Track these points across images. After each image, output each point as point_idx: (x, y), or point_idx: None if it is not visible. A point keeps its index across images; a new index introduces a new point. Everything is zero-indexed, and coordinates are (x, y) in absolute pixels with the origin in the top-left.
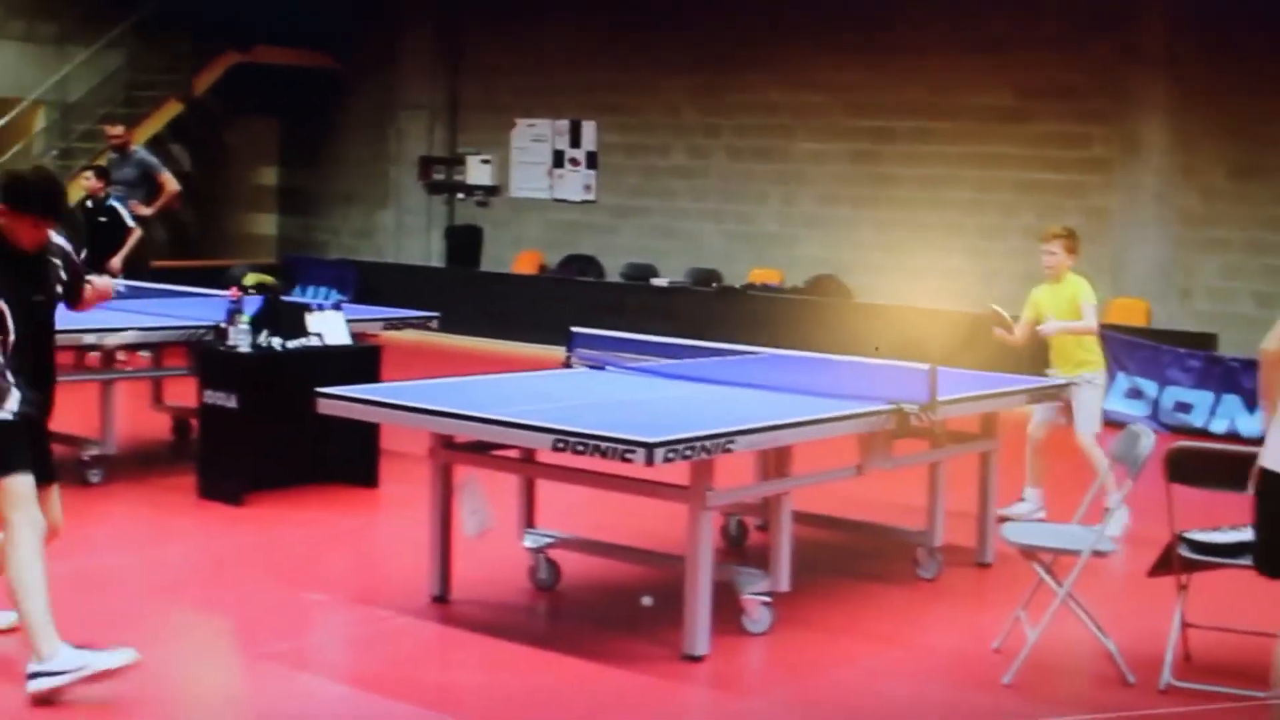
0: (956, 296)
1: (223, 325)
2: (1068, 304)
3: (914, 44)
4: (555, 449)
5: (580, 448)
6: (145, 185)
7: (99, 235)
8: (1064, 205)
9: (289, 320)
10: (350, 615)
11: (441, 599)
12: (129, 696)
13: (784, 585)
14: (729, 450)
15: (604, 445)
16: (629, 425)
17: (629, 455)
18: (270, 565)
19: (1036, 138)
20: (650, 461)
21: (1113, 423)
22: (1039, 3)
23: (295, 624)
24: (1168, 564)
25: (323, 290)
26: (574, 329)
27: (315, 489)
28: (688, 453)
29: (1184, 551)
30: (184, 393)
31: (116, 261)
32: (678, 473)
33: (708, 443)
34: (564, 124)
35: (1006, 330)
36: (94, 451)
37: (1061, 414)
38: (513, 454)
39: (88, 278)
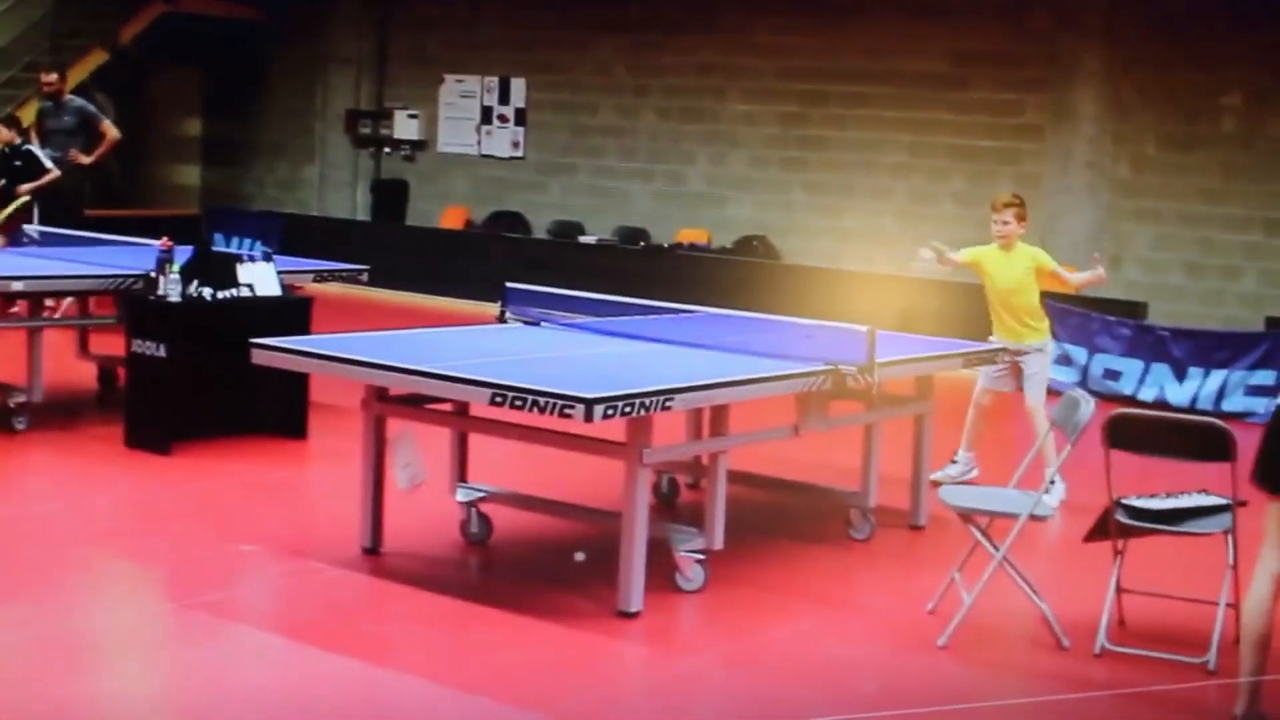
0: (886, 260)
1: (153, 274)
2: (1024, 273)
3: (849, 6)
4: (493, 403)
5: (519, 402)
6: (84, 133)
7: (15, 180)
8: (996, 171)
9: (219, 270)
10: (281, 566)
11: (373, 551)
12: (55, 644)
13: (718, 543)
14: (668, 408)
15: (542, 400)
16: (566, 381)
17: (568, 411)
18: (199, 515)
19: (970, 104)
20: (589, 418)
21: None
22: None
23: (225, 574)
24: (1104, 530)
25: (246, 242)
26: (509, 284)
27: (243, 440)
28: (626, 409)
29: (1120, 517)
30: (110, 343)
31: (25, 187)
32: (612, 429)
33: (647, 400)
34: (493, 80)
35: (942, 257)
36: (19, 399)
37: (1007, 381)
38: (446, 408)
39: None
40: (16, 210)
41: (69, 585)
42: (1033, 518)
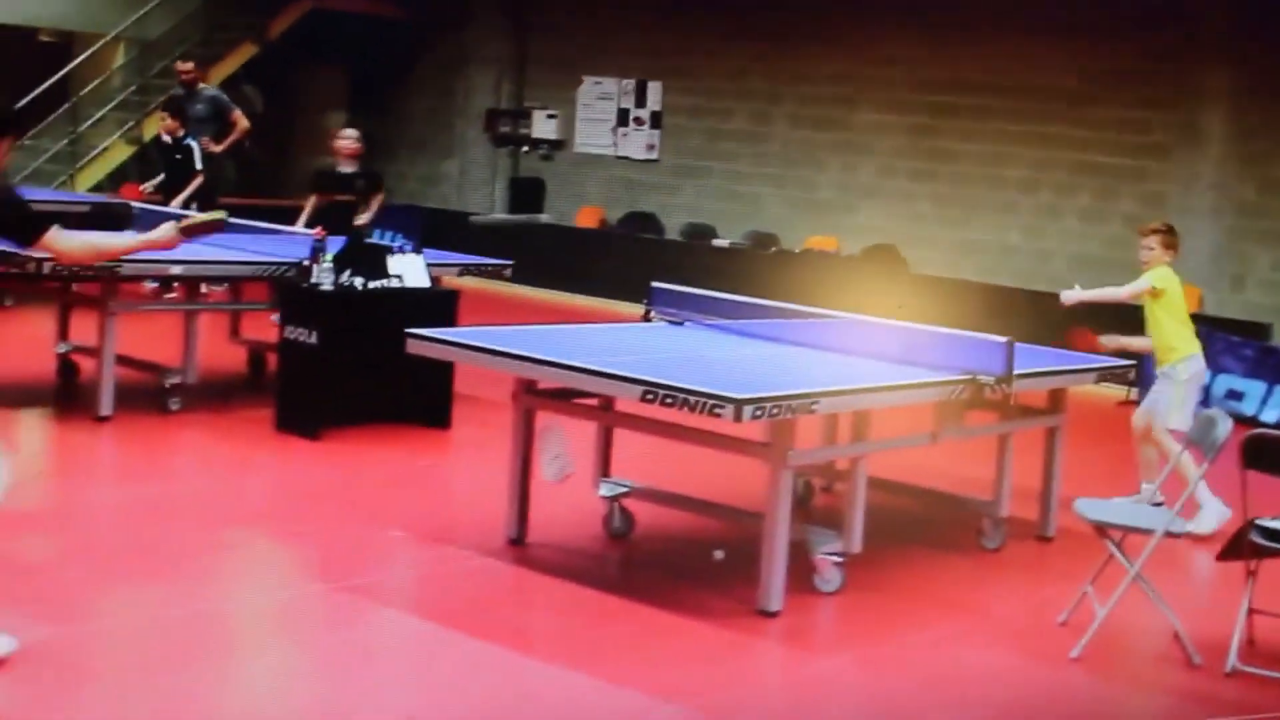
0: (1011, 273)
1: (306, 263)
2: (1152, 299)
3: (979, 21)
4: (644, 400)
5: (669, 400)
6: (215, 122)
7: (174, 172)
8: (1120, 189)
9: (371, 261)
10: (428, 553)
11: (518, 541)
12: (206, 623)
13: (856, 547)
14: (813, 411)
15: (693, 399)
16: (714, 381)
17: (717, 410)
18: (347, 500)
19: (1097, 121)
20: (738, 418)
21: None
22: None
23: (374, 559)
24: (1238, 550)
25: (388, 235)
26: (654, 284)
27: (390, 428)
28: (774, 411)
29: (1255, 538)
30: (259, 327)
31: (177, 202)
32: (753, 430)
33: (793, 402)
34: (630, 83)
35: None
36: (174, 380)
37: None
38: (593, 403)
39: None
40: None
41: (218, 565)
42: (1168, 534)
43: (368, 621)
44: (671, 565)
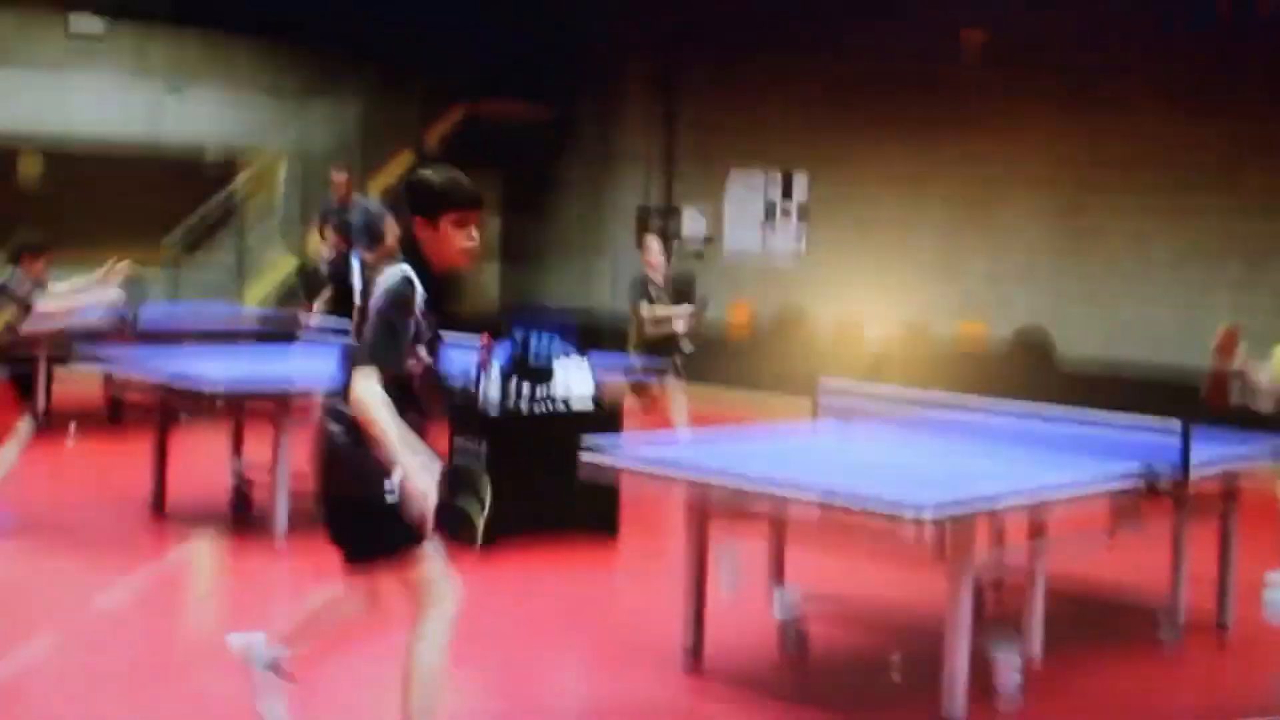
0: (1161, 350)
1: (473, 378)
2: None
3: (1119, 96)
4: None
5: (846, 511)
6: (368, 235)
7: (342, 287)
8: (1273, 259)
9: (536, 369)
10: (606, 671)
11: (694, 653)
12: None
13: (1037, 651)
14: (994, 513)
15: (869, 509)
16: (892, 488)
17: (896, 519)
18: (522, 619)
19: (1243, 190)
20: (919, 530)
21: None
22: (1245, 51)
23: (551, 679)
24: None
25: (544, 337)
26: (821, 379)
27: (558, 536)
28: (954, 518)
29: None
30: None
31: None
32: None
33: (974, 506)
34: (776, 175)
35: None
36: None
37: None
38: (764, 511)
39: None
40: None
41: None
42: None
43: None
44: (849, 677)
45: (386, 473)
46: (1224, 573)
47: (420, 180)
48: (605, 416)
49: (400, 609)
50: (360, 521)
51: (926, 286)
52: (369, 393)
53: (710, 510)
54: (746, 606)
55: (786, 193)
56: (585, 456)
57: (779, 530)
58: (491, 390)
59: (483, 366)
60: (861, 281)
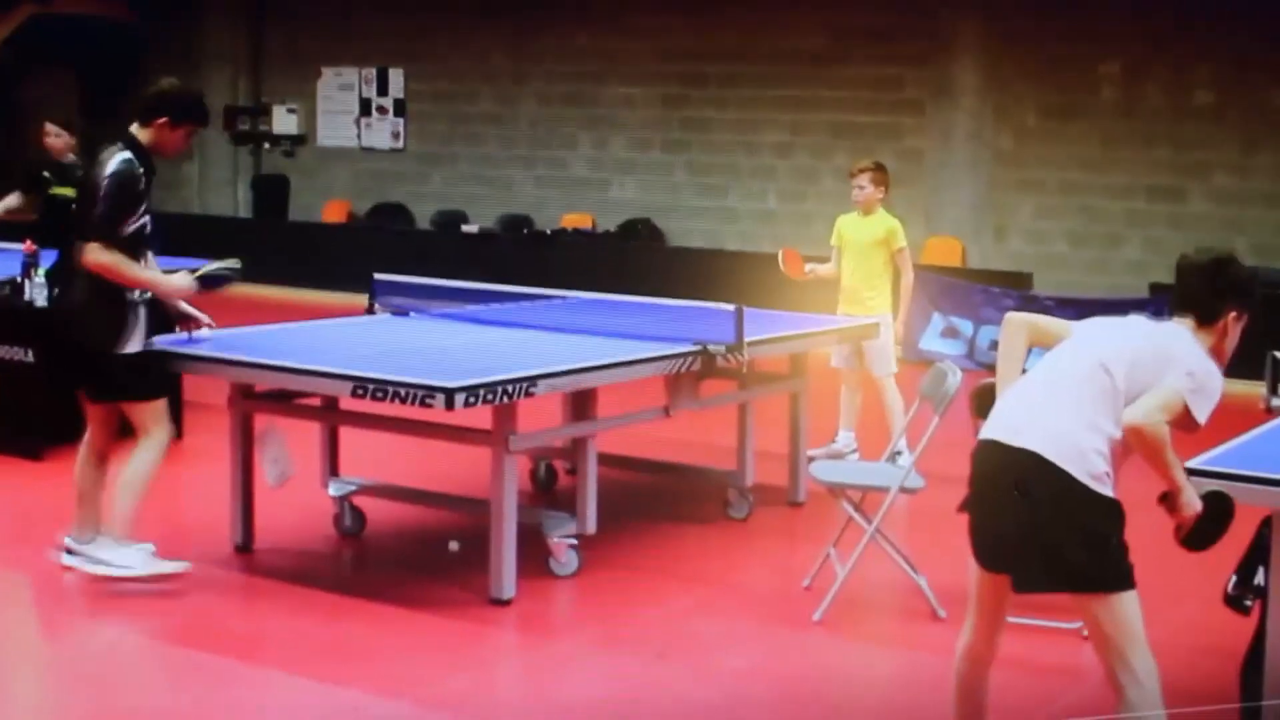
0: (771, 239)
1: (18, 280)
2: (873, 240)
3: None
4: (354, 395)
5: (380, 394)
6: None
7: None
8: (877, 148)
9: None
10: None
11: (244, 549)
12: None
13: (591, 528)
14: (531, 394)
15: (403, 391)
16: (430, 371)
17: (429, 400)
18: (70, 520)
19: (850, 80)
20: (450, 406)
21: (929, 362)
22: None
23: (96, 577)
24: None
25: None
26: (376, 276)
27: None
28: (488, 397)
29: None
30: None
31: None
32: (484, 417)
33: (509, 386)
34: (371, 72)
35: (804, 267)
36: None
37: (849, 359)
38: (314, 402)
39: None
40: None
41: None
42: (904, 490)
43: (93, 640)
44: (404, 560)
45: (121, 328)
46: (795, 451)
47: (180, 91)
48: (161, 315)
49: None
50: (103, 368)
51: (529, 181)
52: (102, 255)
53: (252, 401)
54: (304, 497)
55: (382, 90)
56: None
57: (331, 418)
58: (37, 294)
59: (27, 271)
60: (461, 177)
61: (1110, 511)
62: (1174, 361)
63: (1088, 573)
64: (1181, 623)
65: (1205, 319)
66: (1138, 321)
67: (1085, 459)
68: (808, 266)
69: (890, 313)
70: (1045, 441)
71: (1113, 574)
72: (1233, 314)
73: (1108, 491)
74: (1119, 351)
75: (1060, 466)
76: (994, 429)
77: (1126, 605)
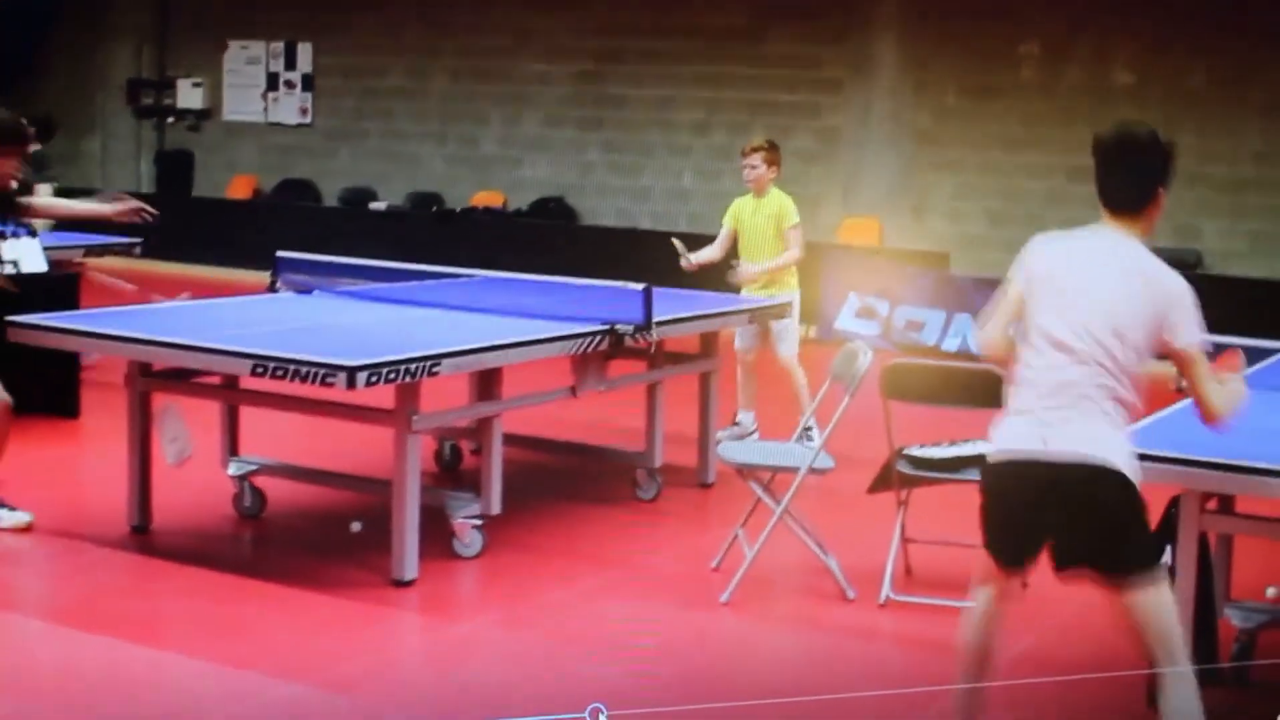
0: (686, 218)
1: None
2: (770, 220)
3: None
4: (255, 374)
5: (280, 372)
6: None
7: None
8: (796, 126)
9: None
10: (46, 548)
11: (141, 529)
12: None
13: (495, 508)
14: (434, 373)
15: (304, 369)
16: (331, 349)
17: (330, 379)
18: None
19: (768, 58)
20: (351, 385)
21: (843, 341)
22: None
23: None
24: (887, 480)
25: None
26: (279, 254)
27: (14, 420)
28: (391, 376)
29: (903, 467)
30: None
31: None
32: (387, 396)
33: (411, 365)
34: (278, 46)
35: (685, 260)
36: None
37: (757, 337)
38: (214, 380)
39: None
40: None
41: None
42: (813, 471)
43: None
44: (306, 541)
45: None
46: (705, 431)
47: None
48: (60, 293)
49: None
50: None
51: (439, 158)
52: None
53: (150, 379)
54: (203, 477)
55: (290, 64)
56: (11, 325)
57: (230, 396)
58: None
59: None
60: (370, 153)
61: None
62: (1172, 303)
63: (1145, 553)
64: (1090, 600)
65: (1136, 209)
66: (1095, 265)
67: (1123, 447)
68: (692, 256)
69: (796, 291)
70: (1085, 445)
71: (1155, 551)
72: (1161, 195)
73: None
74: (1115, 320)
75: (1108, 466)
76: (1024, 442)
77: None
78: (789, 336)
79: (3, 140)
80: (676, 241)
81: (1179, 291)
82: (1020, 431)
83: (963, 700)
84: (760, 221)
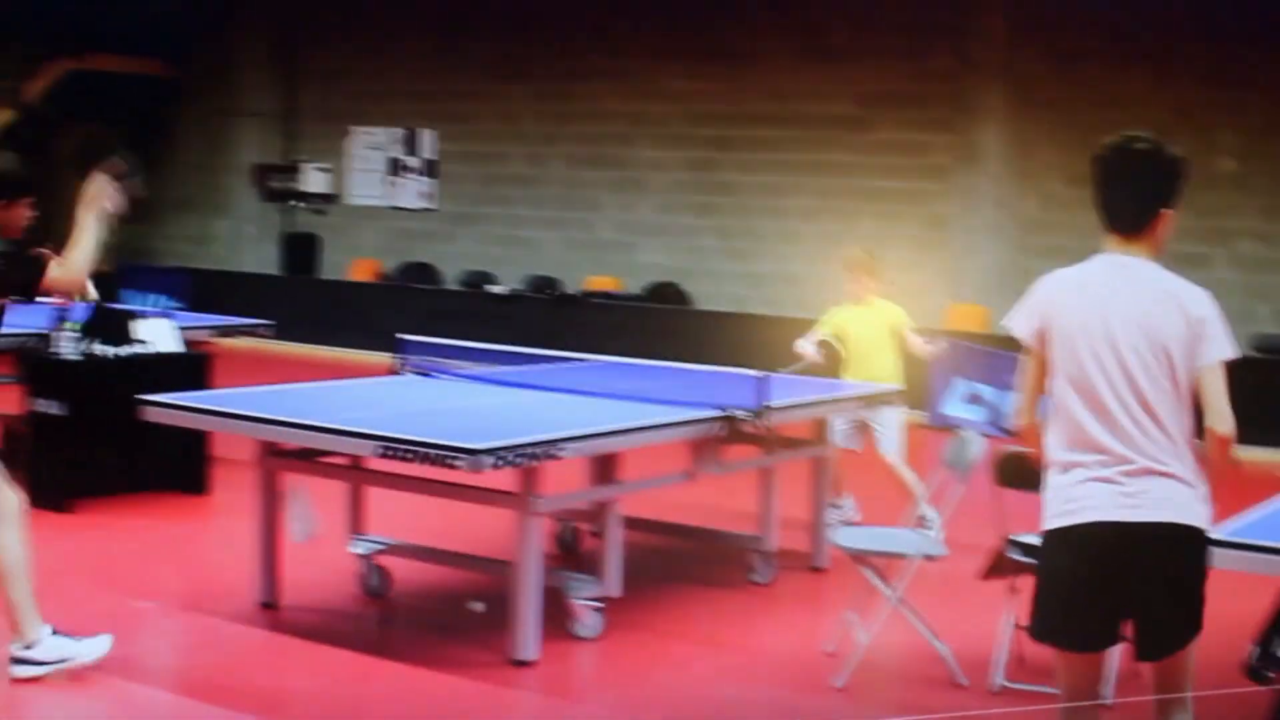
0: (797, 303)
1: (50, 332)
2: (882, 328)
3: (754, 52)
4: (382, 456)
5: (407, 455)
6: None
7: None
8: (903, 212)
9: (117, 327)
10: (178, 623)
11: (270, 605)
12: None
13: (615, 590)
14: (556, 456)
15: (430, 452)
16: (455, 432)
17: (454, 462)
18: (97, 573)
19: (876, 146)
20: (476, 468)
21: (951, 428)
22: (879, 13)
23: (122, 632)
24: (999, 567)
25: (156, 298)
26: (401, 336)
27: (144, 496)
28: (514, 459)
29: (1013, 554)
30: (12, 400)
31: None
32: (508, 479)
33: (534, 449)
34: (400, 132)
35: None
36: None
37: (853, 438)
38: (340, 461)
39: None
40: None
41: None
42: (927, 558)
43: (113, 697)
44: (428, 621)
45: None
46: (817, 516)
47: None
48: (191, 372)
49: None
50: None
51: (557, 242)
52: None
53: (277, 459)
54: (329, 556)
55: (411, 149)
56: (146, 404)
57: (356, 476)
58: (68, 348)
59: (58, 324)
60: (490, 238)
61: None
62: (1202, 318)
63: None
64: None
65: (1136, 228)
66: (1118, 303)
67: (1197, 501)
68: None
69: (901, 383)
70: (1162, 507)
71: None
72: (1166, 215)
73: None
74: (1162, 360)
75: (1185, 524)
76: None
77: None
78: (893, 432)
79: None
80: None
81: (1205, 313)
82: (1092, 495)
83: None
84: (870, 331)
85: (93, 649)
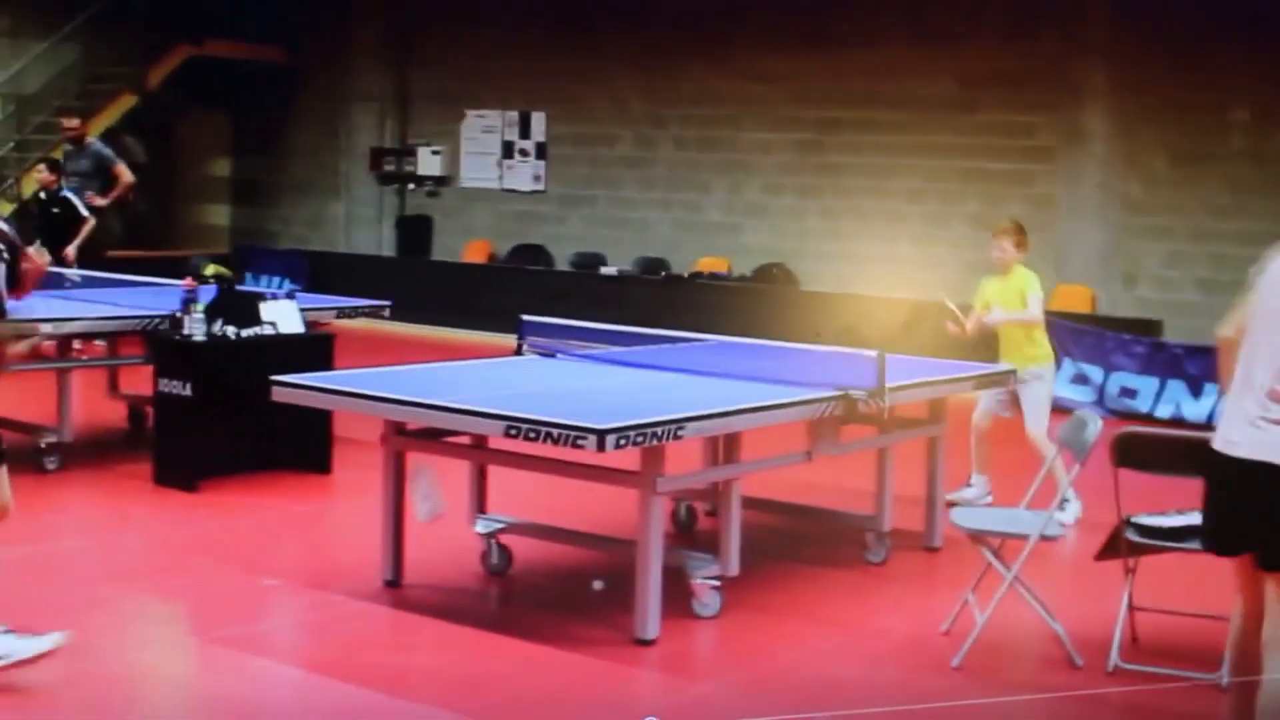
0: (902, 284)
1: (178, 314)
2: (1016, 295)
3: (859, 34)
4: (507, 435)
5: (532, 434)
6: (100, 177)
7: (52, 226)
8: (1008, 194)
9: (243, 309)
10: (303, 600)
11: (394, 584)
12: (84, 679)
13: (733, 570)
14: (679, 437)
15: (555, 432)
16: (580, 412)
17: (580, 442)
18: (224, 551)
19: (980, 127)
20: (601, 448)
21: (1059, 409)
22: None
23: (248, 609)
24: (1115, 548)
25: (274, 280)
26: (524, 317)
27: (269, 475)
28: (638, 439)
29: (1131, 535)
30: (140, 381)
31: (71, 250)
32: (628, 459)
33: (658, 429)
34: (513, 115)
35: (957, 324)
36: (50, 439)
37: (1007, 407)
38: (464, 440)
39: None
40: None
41: (94, 622)
42: (1044, 538)
43: (241, 672)
44: (550, 599)
45: None
46: (932, 495)
47: None
48: (315, 353)
49: None
50: None
51: (665, 224)
52: None
53: (403, 438)
54: (452, 534)
55: (524, 132)
56: (276, 384)
57: (480, 456)
58: (195, 329)
59: (187, 306)
60: (599, 219)
61: None
62: None
63: None
64: None
65: None
66: None
67: None
68: (949, 325)
69: (1051, 365)
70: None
71: None
72: None
73: None
74: None
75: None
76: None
77: None
78: (1038, 410)
79: None
80: (950, 305)
81: None
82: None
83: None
84: (1009, 298)
85: (42, 643)
